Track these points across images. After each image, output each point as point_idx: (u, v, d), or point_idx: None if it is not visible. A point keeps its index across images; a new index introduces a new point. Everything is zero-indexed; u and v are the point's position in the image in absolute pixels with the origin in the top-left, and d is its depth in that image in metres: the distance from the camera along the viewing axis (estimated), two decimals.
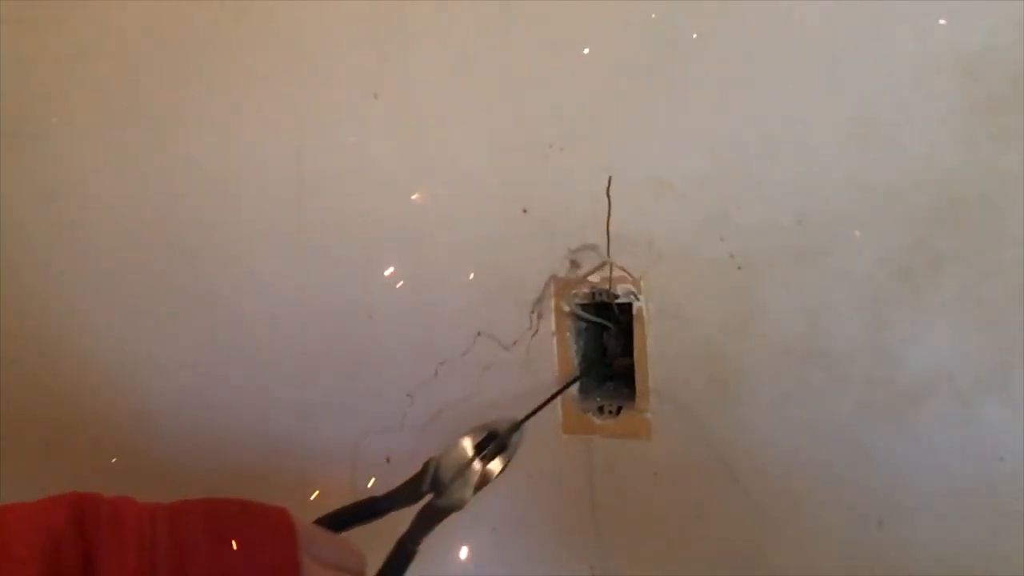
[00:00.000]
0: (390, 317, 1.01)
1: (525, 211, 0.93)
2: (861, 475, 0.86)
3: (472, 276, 0.96)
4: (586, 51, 0.88)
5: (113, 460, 1.17)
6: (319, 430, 1.07)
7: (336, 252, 1.01)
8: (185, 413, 1.13)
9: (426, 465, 0.88)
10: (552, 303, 0.94)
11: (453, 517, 1.03)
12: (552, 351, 0.95)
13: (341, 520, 0.84)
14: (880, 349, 0.82)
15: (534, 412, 0.91)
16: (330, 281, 1.02)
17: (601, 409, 0.95)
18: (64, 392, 1.19)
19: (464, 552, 1.04)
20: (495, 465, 0.91)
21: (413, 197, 0.97)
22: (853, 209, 0.81)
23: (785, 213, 0.83)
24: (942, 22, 0.75)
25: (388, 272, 0.99)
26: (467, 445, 0.90)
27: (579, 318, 0.94)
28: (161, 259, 1.10)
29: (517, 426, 0.92)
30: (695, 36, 0.83)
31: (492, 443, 0.91)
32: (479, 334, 0.97)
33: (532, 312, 0.95)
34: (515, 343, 0.96)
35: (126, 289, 1.13)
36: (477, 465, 0.89)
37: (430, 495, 0.87)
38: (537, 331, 0.95)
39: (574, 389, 0.96)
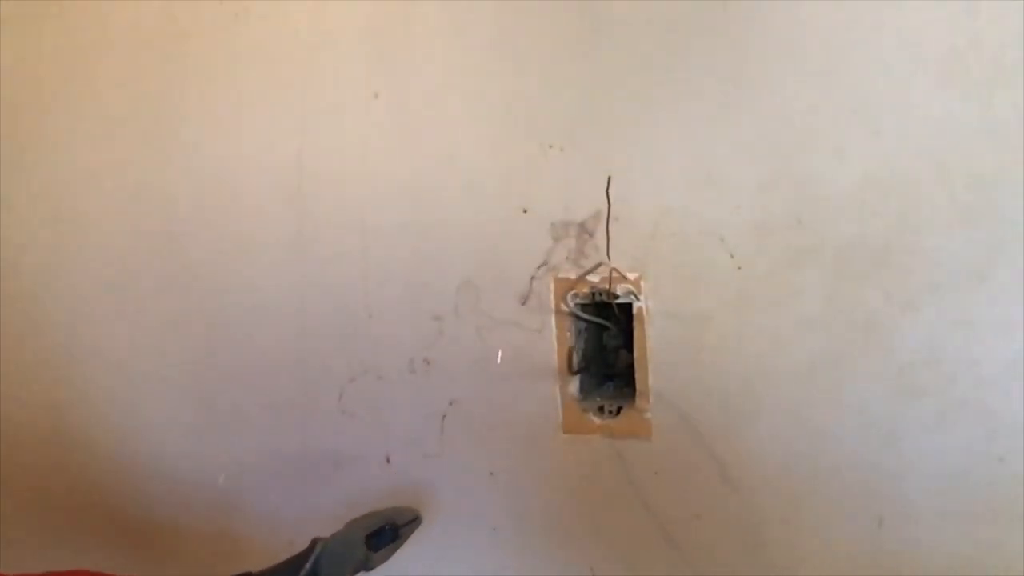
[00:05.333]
0: (390, 316, 1.01)
1: (525, 211, 0.93)
2: (861, 475, 0.86)
3: (472, 276, 0.96)
4: (584, 52, 0.88)
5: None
6: (320, 426, 1.08)
7: (336, 252, 1.01)
8: (183, 421, 1.14)
9: (312, 544, 0.88)
10: (552, 303, 0.94)
11: (451, 516, 1.04)
12: (552, 350, 0.95)
13: None
14: (878, 350, 0.82)
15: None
16: (330, 280, 1.02)
17: (601, 409, 0.95)
18: (56, 399, 1.19)
19: (465, 552, 1.04)
20: (381, 555, 0.92)
21: (413, 198, 0.97)
22: (853, 209, 0.81)
23: (785, 213, 0.83)
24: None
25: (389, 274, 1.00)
26: (359, 531, 0.91)
27: (579, 318, 0.94)
28: (160, 257, 1.10)
29: (416, 519, 0.95)
30: (694, 39, 0.83)
31: (385, 532, 0.92)
32: (480, 333, 0.97)
33: (532, 312, 0.94)
34: (516, 343, 0.96)
35: (125, 286, 1.13)
36: (362, 552, 0.90)
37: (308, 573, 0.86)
38: (538, 331, 0.95)
39: (574, 389, 0.96)
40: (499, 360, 0.96)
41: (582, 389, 0.96)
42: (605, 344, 0.99)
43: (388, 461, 1.05)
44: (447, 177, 0.95)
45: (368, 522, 0.93)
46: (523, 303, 0.94)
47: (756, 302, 0.86)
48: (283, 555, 0.91)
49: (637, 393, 0.92)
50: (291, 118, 1.00)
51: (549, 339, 0.95)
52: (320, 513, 1.06)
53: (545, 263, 0.93)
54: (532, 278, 0.93)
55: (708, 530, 0.93)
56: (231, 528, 1.14)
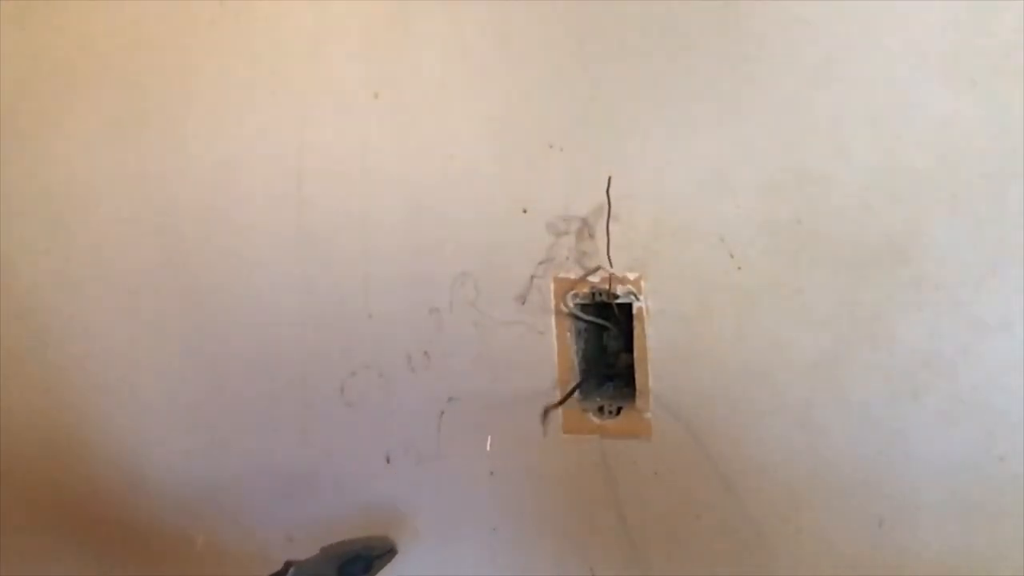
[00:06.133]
0: (389, 315, 1.01)
1: (525, 211, 0.93)
2: (861, 475, 0.86)
3: (472, 276, 0.96)
4: (585, 52, 0.88)
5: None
6: (320, 427, 1.08)
7: (336, 252, 1.01)
8: (180, 420, 1.14)
9: (286, 566, 0.89)
10: (552, 303, 0.94)
11: (451, 516, 1.03)
12: (552, 351, 0.95)
13: None
14: (880, 350, 0.82)
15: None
16: (330, 280, 1.02)
17: (601, 409, 0.95)
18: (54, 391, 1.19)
19: (464, 552, 1.04)
20: None
21: (413, 197, 0.97)
22: (854, 209, 0.81)
23: (786, 213, 0.83)
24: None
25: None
26: (333, 558, 0.92)
27: (579, 318, 0.94)
28: (160, 257, 1.10)
29: (390, 551, 0.96)
30: (694, 38, 0.83)
31: (359, 561, 0.93)
32: (479, 333, 0.97)
33: (532, 312, 0.94)
34: (515, 343, 0.96)
35: (123, 287, 1.13)
36: None
37: None
38: (537, 331, 0.95)
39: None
40: (488, 447, 0.97)
41: (582, 389, 0.96)
42: (605, 344, 0.99)
43: (388, 461, 1.05)
44: (447, 177, 0.95)
45: (343, 550, 0.94)
46: (523, 303, 0.94)
47: (756, 302, 0.86)
48: (282, 554, 0.91)
49: (637, 393, 0.92)
50: (291, 118, 1.00)
51: (549, 339, 0.95)
52: (320, 514, 1.07)
53: (545, 263, 0.93)
54: (532, 277, 0.93)
55: (708, 530, 0.93)
56: (230, 529, 1.14)
